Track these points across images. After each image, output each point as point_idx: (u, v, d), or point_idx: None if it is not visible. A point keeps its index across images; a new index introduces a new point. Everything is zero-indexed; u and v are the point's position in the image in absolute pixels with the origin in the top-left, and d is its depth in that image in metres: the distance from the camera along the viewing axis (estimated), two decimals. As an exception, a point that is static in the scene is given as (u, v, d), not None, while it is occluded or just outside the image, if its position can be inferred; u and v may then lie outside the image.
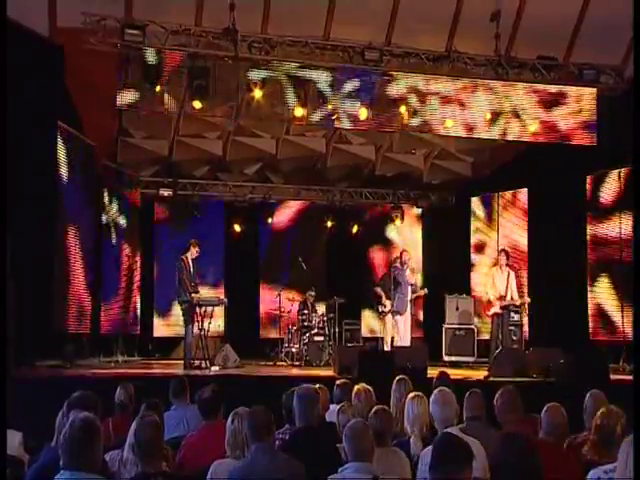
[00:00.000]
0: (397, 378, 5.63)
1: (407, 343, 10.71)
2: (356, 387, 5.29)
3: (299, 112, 10.38)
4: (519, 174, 12.63)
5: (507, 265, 10.89)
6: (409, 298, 10.89)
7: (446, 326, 12.25)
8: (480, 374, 9.75)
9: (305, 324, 11.75)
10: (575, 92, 10.90)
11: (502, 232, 13.51)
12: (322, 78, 10.27)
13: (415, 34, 10.47)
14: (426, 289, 11.80)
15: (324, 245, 14.58)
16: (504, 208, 13.57)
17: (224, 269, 13.99)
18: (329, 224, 14.40)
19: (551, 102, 10.85)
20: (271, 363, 11.56)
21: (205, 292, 11.66)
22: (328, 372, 9.95)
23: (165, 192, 13.48)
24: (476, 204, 14.10)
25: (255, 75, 10.07)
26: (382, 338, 11.41)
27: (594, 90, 10.87)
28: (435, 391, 4.59)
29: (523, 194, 13.15)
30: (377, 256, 14.74)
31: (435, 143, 13.37)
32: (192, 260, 10.29)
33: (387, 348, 10.49)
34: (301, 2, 10.06)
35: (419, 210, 14.96)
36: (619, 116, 10.23)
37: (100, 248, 11.77)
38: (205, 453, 4.23)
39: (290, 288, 13.00)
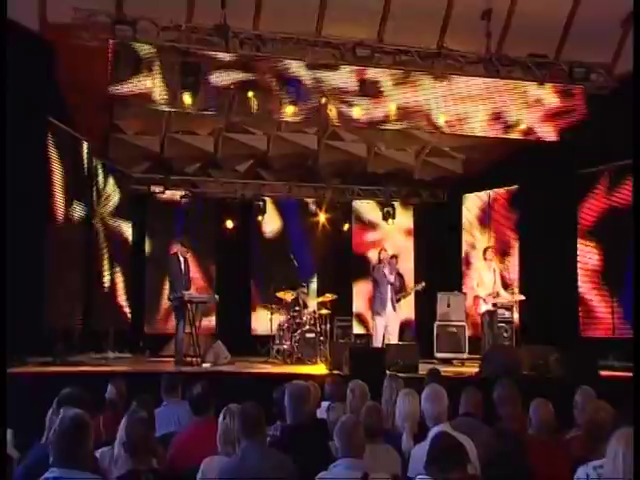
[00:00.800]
0: (388, 375, 5.65)
1: (394, 340, 10.69)
2: (351, 383, 5.29)
3: (290, 110, 10.40)
4: (511, 171, 12.66)
5: (493, 260, 10.90)
6: (389, 296, 10.81)
7: (437, 323, 12.27)
8: (471, 371, 9.78)
9: (297, 321, 11.72)
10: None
11: (493, 228, 13.55)
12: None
13: (407, 31, 10.47)
14: (423, 283, 11.62)
15: (315, 242, 14.57)
16: (494, 206, 13.61)
17: (216, 266, 13.96)
18: (320, 221, 14.39)
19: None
20: (262, 360, 11.54)
21: (196, 289, 11.66)
22: (319, 369, 9.97)
23: (157, 189, 13.44)
24: (469, 201, 14.14)
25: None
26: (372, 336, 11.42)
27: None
28: (426, 388, 4.60)
29: (515, 191, 13.18)
30: (369, 253, 14.72)
31: (427, 140, 13.38)
32: (184, 257, 10.27)
33: (378, 345, 10.47)
34: (293, -2, 10.06)
35: (411, 207, 14.96)
36: (609, 114, 10.27)
37: (91, 244, 11.73)
38: (196, 450, 4.22)
39: (282, 285, 12.97)
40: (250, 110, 10.57)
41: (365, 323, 14.15)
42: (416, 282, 12.64)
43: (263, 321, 13.33)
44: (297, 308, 12.03)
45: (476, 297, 11.07)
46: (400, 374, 6.61)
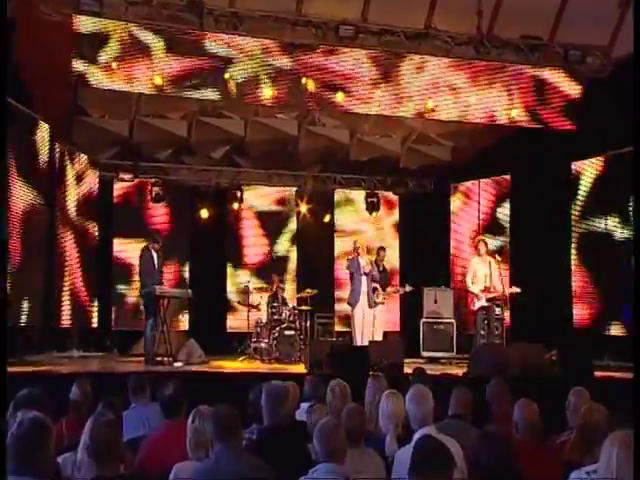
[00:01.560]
0: (371, 374, 5.65)
1: (378, 338, 10.67)
2: (331, 383, 5.29)
3: (269, 93, 10.37)
4: (502, 159, 12.71)
5: (487, 254, 10.90)
6: (364, 289, 10.79)
7: (424, 320, 12.31)
8: (460, 371, 9.82)
9: (275, 317, 11.73)
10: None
11: (483, 220, 13.62)
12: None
13: (393, 10, 10.45)
14: (408, 287, 11.54)
15: (295, 233, 14.55)
16: (484, 195, 13.68)
17: (189, 259, 13.92)
18: (300, 211, 14.38)
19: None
20: (238, 359, 11.53)
21: (169, 283, 11.63)
22: (299, 368, 9.98)
23: (125, 176, 13.35)
24: (457, 191, 14.20)
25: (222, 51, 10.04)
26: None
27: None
28: (411, 388, 4.61)
29: (506, 180, 13.25)
30: (351, 245, 14.72)
31: (413, 126, 13.40)
32: (156, 250, 10.23)
33: (358, 343, 10.46)
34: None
35: (396, 197, 14.99)
36: (605, 99, 10.32)
37: (54, 235, 11.61)
38: (167, 454, 4.20)
39: (259, 279, 12.97)
40: (228, 92, 10.50)
41: (348, 320, 14.17)
42: (402, 278, 12.66)
43: (239, 318, 13.33)
44: (275, 304, 12.03)
45: (469, 293, 11.02)
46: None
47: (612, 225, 11.13)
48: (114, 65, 9.69)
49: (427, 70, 11.00)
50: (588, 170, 11.69)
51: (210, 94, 10.72)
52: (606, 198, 11.25)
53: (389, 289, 11.65)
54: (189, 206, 14.04)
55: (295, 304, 12.64)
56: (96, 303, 13.17)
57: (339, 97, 10.78)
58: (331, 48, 10.57)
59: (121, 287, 13.39)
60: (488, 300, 10.74)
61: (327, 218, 14.61)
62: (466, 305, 12.01)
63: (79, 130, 12.51)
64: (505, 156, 12.59)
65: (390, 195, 14.96)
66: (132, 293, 12.83)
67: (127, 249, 13.19)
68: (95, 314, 13.15)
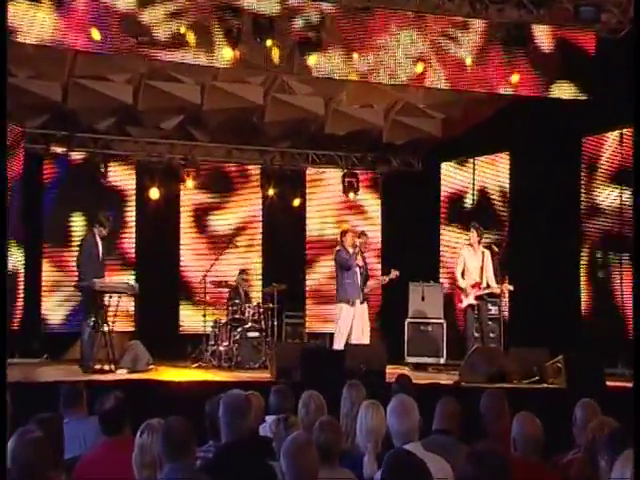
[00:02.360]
0: (348, 383, 5.66)
1: (362, 341, 10.75)
2: (304, 395, 5.30)
3: (229, 54, 10.32)
4: (500, 134, 12.77)
5: (481, 243, 10.95)
6: (351, 281, 10.78)
7: (409, 320, 12.37)
8: (450, 379, 9.89)
9: (236, 316, 11.74)
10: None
11: (477, 203, 13.71)
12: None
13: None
14: (397, 272, 11.46)
15: (261, 218, 14.54)
16: (479, 176, 13.76)
17: (136, 247, 13.87)
18: (267, 193, 14.35)
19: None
20: (193, 365, 11.52)
21: (112, 276, 11.55)
22: (264, 376, 10.02)
23: (58, 149, 13.23)
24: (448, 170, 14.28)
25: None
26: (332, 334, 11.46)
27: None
28: (393, 399, 4.62)
29: (504, 159, 13.33)
30: (326, 232, 14.77)
31: (398, 95, 13.41)
32: (100, 237, 10.19)
33: (341, 345, 10.48)
34: None
35: (378, 177, 15.02)
36: (620, 63, 10.35)
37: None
38: (106, 477, 4.19)
39: (219, 271, 12.93)
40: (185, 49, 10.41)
41: (321, 319, 14.21)
42: (384, 270, 12.69)
43: (194, 316, 13.32)
44: (237, 301, 12.04)
45: (458, 288, 11.09)
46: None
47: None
48: (44, 16, 9.55)
49: (415, 30, 11.00)
50: (603, 147, 11.78)
51: (161, 54, 10.63)
52: (623, 178, 11.33)
53: (371, 282, 11.61)
54: (136, 185, 13.97)
55: (260, 301, 12.64)
56: (22, 298, 13.03)
57: (312, 60, 10.74)
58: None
59: (54, 278, 13.27)
60: (477, 298, 10.81)
61: (297, 201, 14.62)
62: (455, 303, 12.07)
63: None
64: (504, 130, 12.65)
65: (371, 175, 14.98)
66: (68, 287, 12.69)
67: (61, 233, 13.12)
68: (21, 312, 12.99)
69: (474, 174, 13.88)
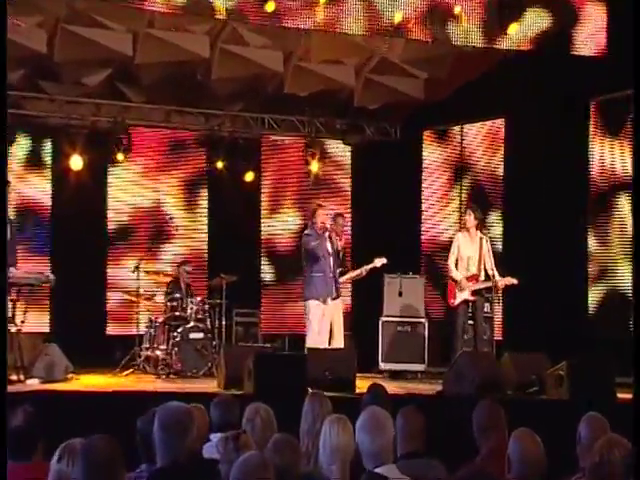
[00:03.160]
0: (310, 394, 5.68)
1: (338, 344, 10.72)
2: (249, 407, 5.32)
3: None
4: (492, 97, 12.82)
5: (479, 228, 10.92)
6: (322, 274, 10.70)
7: (384, 319, 12.43)
8: (432, 389, 9.95)
9: (176, 314, 11.74)
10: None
11: (466, 182, 13.80)
12: None
13: None
14: (383, 260, 11.41)
15: (206, 196, 14.52)
16: (471, 147, 13.85)
17: (53, 231, 13.81)
18: (214, 165, 14.34)
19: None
20: (122, 373, 11.49)
21: (23, 265, 11.48)
22: (209, 385, 10.02)
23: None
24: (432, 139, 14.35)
25: None
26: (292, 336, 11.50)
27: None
28: (364, 412, 4.64)
29: (498, 126, 13.40)
30: (286, 214, 14.79)
31: (372, 49, 13.42)
32: (10, 221, 10.12)
33: (320, 347, 10.42)
34: None
35: (347, 146, 15.05)
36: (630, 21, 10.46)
37: None
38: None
39: (154, 260, 12.92)
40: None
41: (280, 318, 14.24)
42: (353, 260, 12.68)
43: (124, 314, 13.26)
44: (177, 295, 12.03)
45: (451, 281, 11.05)
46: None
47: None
48: None
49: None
50: (613, 110, 11.89)
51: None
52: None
53: (351, 274, 11.58)
54: (53, 153, 13.91)
55: (205, 295, 12.63)
56: None
57: (269, 7, 10.71)
58: None
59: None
60: (474, 293, 10.84)
61: (251, 175, 14.60)
62: (444, 298, 12.10)
63: None
64: (498, 92, 12.71)
65: (339, 144, 15.01)
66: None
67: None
68: None
69: (462, 144, 13.95)
